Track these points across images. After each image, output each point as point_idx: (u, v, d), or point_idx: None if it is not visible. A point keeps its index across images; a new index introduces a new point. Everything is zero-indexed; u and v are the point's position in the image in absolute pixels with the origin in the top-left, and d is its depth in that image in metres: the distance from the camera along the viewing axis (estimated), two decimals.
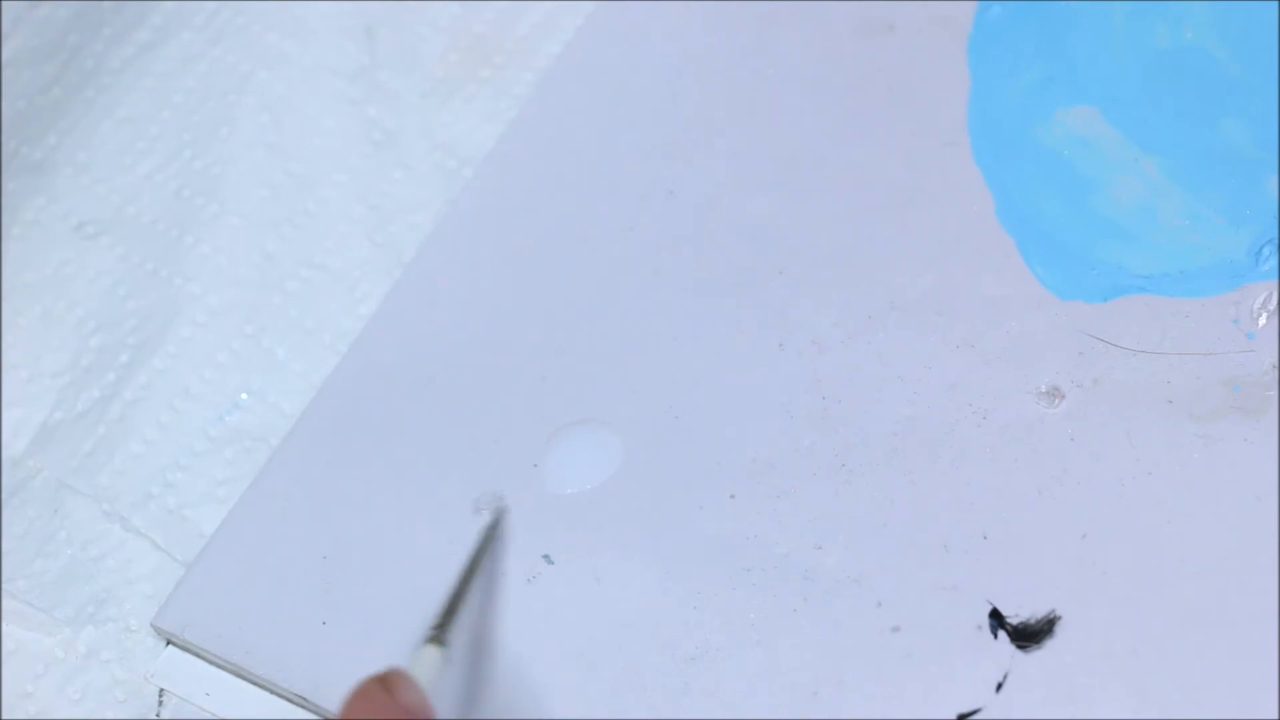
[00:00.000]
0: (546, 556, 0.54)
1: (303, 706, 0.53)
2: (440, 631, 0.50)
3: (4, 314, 0.59)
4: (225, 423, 0.59)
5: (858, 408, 0.55)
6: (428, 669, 0.49)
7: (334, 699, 0.52)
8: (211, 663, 0.54)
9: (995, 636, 0.51)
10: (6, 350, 0.59)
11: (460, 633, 0.53)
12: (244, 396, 0.59)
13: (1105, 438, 0.54)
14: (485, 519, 0.54)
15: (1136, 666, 0.51)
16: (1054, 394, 0.55)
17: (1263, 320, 0.55)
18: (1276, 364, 0.54)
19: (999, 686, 0.51)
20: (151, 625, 0.55)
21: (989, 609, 0.52)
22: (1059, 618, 0.52)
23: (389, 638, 0.53)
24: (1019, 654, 0.51)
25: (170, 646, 0.55)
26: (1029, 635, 0.51)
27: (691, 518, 0.54)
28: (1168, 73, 0.59)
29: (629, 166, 0.59)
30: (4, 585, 0.56)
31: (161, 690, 0.55)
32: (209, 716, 0.54)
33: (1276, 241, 0.56)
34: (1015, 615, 0.52)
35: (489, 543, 0.54)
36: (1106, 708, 0.50)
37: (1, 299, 0.59)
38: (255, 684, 0.54)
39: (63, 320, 0.60)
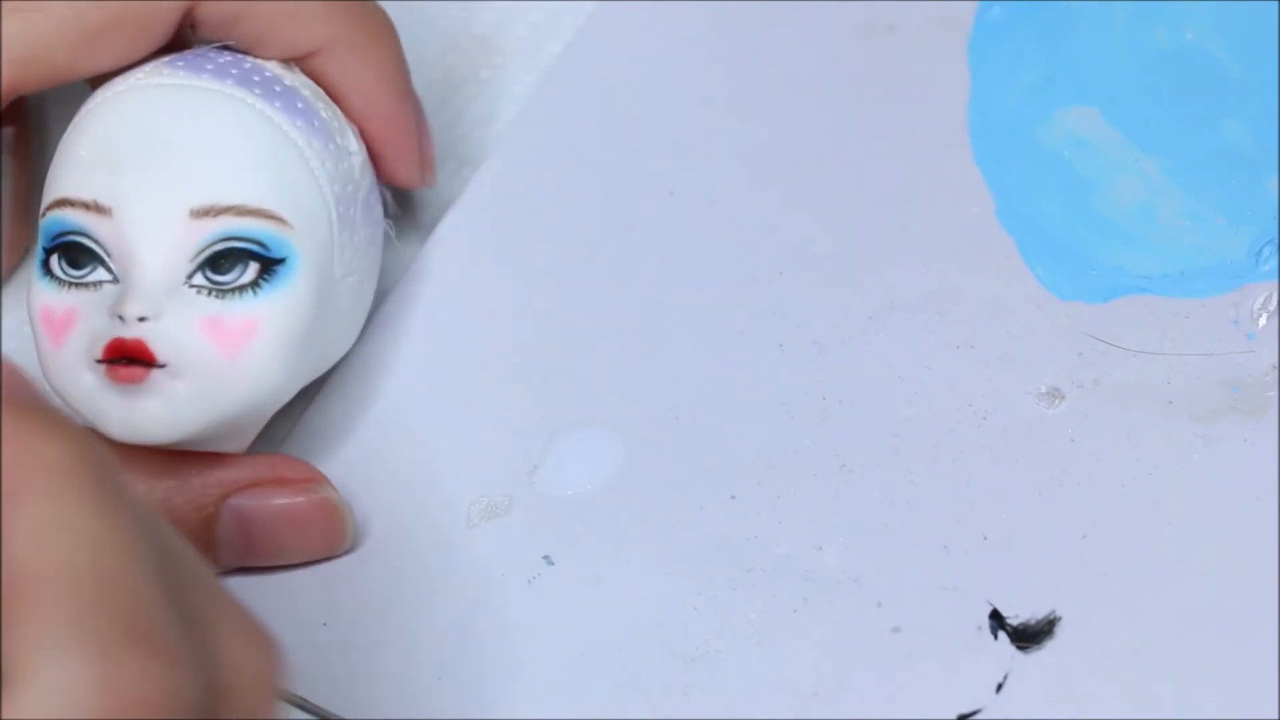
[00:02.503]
0: (547, 557, 0.54)
1: (302, 708, 0.53)
2: None
3: (6, 324, 0.59)
4: None
5: (858, 408, 0.55)
6: None
7: (334, 699, 0.52)
8: None
9: (995, 637, 0.51)
10: (10, 358, 0.59)
11: (459, 633, 0.53)
12: None
13: (1105, 438, 0.54)
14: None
15: (1136, 667, 0.51)
16: (1054, 394, 0.55)
17: (1263, 321, 0.55)
18: (1276, 364, 0.54)
19: (999, 687, 0.51)
20: None
21: (989, 609, 0.52)
22: (1059, 618, 0.52)
23: (389, 639, 0.53)
24: (1019, 655, 0.51)
25: None
26: (1029, 636, 0.51)
27: (692, 518, 0.54)
28: (1168, 73, 0.59)
29: (629, 167, 0.59)
30: None
31: None
32: None
33: (1277, 242, 0.56)
34: (1015, 616, 0.52)
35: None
36: (1107, 708, 0.50)
37: (3, 311, 0.59)
38: None
39: None
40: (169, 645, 0.39)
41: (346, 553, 0.54)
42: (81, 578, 0.39)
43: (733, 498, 0.54)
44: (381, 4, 0.61)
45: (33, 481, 0.39)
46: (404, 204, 0.60)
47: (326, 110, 0.54)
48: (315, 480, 0.53)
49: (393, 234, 0.56)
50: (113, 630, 0.39)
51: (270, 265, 0.51)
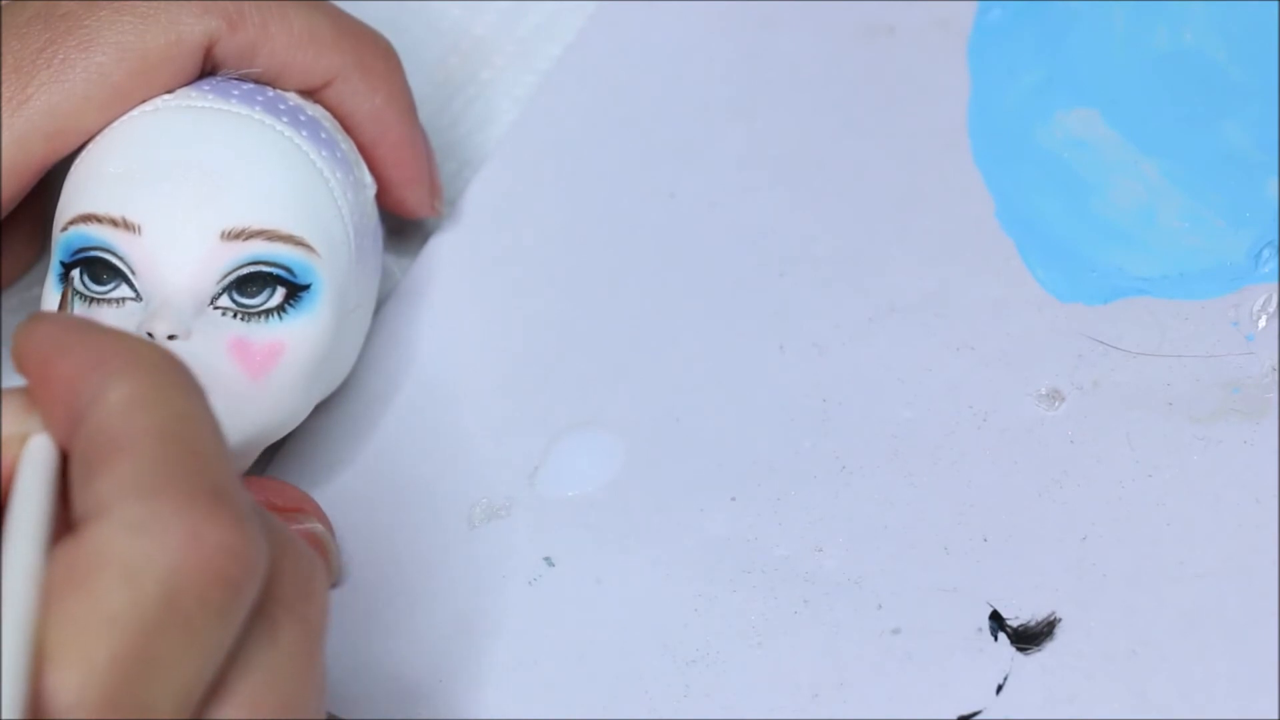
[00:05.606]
0: (548, 559, 0.54)
1: None
2: None
3: (6, 325, 0.59)
4: None
5: (858, 410, 0.55)
6: None
7: (334, 700, 0.52)
8: None
9: (995, 639, 0.52)
10: (9, 357, 0.59)
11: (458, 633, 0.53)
12: None
13: (1105, 440, 0.54)
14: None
15: (1136, 668, 0.51)
16: (1054, 396, 0.55)
17: (1262, 322, 0.55)
18: (1276, 366, 0.54)
19: (999, 688, 0.51)
20: None
21: (989, 611, 0.52)
22: (1059, 620, 0.52)
23: (390, 640, 0.53)
24: (1019, 656, 0.51)
25: None
26: (1029, 637, 0.51)
27: (692, 520, 0.54)
28: (1168, 75, 0.59)
29: (630, 168, 0.59)
30: None
31: None
32: None
33: (1276, 244, 0.56)
34: (1015, 617, 0.52)
35: None
36: (1107, 709, 0.50)
37: (4, 312, 0.59)
38: None
39: None
40: (246, 512, 0.40)
41: (332, 586, 0.54)
42: (169, 439, 0.40)
43: (733, 499, 0.54)
44: (383, 5, 0.61)
45: (128, 366, 0.41)
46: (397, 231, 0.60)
47: (345, 143, 0.54)
48: (303, 510, 0.53)
49: (396, 270, 0.57)
50: (197, 484, 0.40)
51: (296, 291, 0.51)
